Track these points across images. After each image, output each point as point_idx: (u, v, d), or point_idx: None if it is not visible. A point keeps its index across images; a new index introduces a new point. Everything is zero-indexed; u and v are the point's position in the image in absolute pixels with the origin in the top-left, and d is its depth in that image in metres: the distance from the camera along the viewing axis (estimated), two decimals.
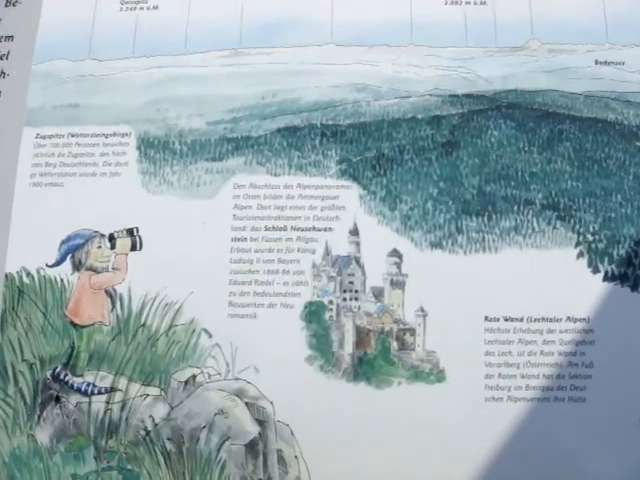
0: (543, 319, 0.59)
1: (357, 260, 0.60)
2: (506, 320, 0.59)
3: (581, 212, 0.60)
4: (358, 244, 0.60)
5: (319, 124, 0.63)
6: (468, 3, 0.65)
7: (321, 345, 0.59)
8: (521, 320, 0.59)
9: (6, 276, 0.62)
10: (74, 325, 0.61)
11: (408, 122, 0.62)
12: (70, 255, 0.62)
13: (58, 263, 0.62)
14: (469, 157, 0.62)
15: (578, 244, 0.59)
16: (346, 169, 0.62)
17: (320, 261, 0.60)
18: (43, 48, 0.67)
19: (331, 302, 0.60)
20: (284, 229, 0.61)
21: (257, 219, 0.61)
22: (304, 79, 0.64)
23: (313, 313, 0.59)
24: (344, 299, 0.60)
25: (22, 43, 0.68)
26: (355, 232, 0.60)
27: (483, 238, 0.60)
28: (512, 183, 0.61)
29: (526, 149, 0.62)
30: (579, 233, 0.60)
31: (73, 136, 0.65)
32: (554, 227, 0.60)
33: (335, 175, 0.62)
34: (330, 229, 0.61)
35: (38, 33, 0.68)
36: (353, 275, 0.60)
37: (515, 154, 0.62)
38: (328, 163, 0.62)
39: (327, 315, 0.59)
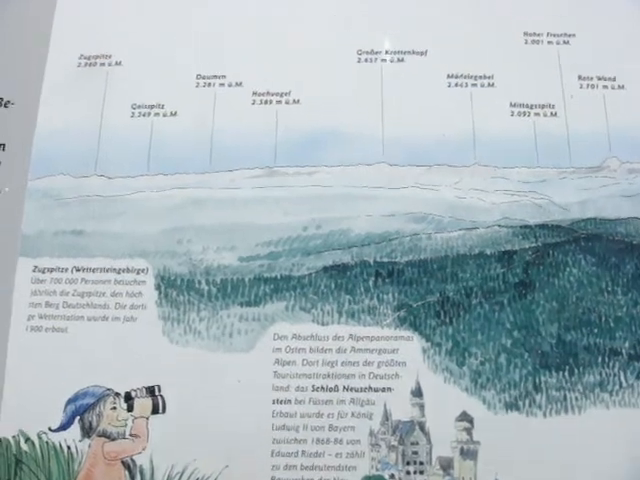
0: None
1: (421, 426, 0.53)
2: None
3: None
4: (422, 407, 0.53)
5: (372, 262, 0.56)
6: (537, 114, 0.59)
7: None
8: None
9: (0, 441, 0.53)
10: None
11: (475, 259, 0.56)
12: (78, 417, 0.54)
13: (64, 427, 0.54)
14: (546, 300, 0.55)
15: None
16: (405, 317, 0.55)
17: (378, 428, 0.53)
18: (40, 160, 0.60)
19: (392, 476, 0.53)
20: (335, 389, 0.54)
21: (303, 377, 0.54)
22: (353, 206, 0.57)
23: None
24: (407, 472, 0.53)
25: (16, 153, 0.60)
26: (418, 393, 0.53)
27: (564, 397, 0.54)
28: (595, 330, 0.55)
29: (609, 289, 0.56)
30: None
31: (78, 270, 0.56)
32: None
33: (393, 324, 0.54)
34: (389, 389, 0.54)
35: (34, 142, 0.59)
36: (417, 444, 0.53)
37: (597, 295, 0.56)
38: (384, 309, 0.55)
39: None
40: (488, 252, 0.56)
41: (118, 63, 0.62)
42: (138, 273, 0.56)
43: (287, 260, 0.56)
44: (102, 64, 0.62)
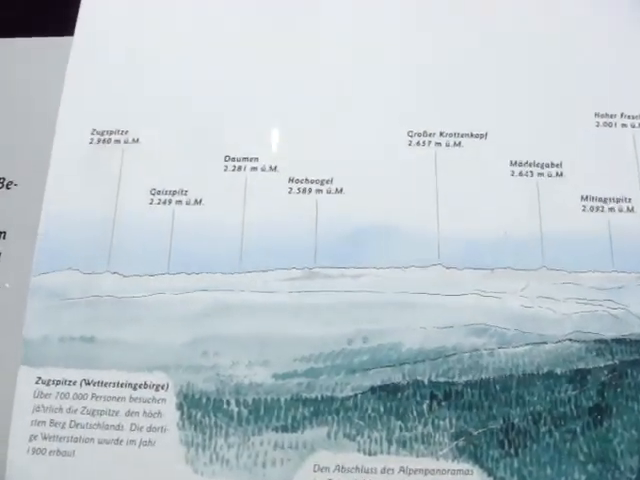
0: None
1: None
2: None
3: None
4: None
5: (427, 381, 0.49)
6: (612, 210, 0.52)
7: None
8: None
9: None
10: None
11: (544, 379, 0.49)
12: None
13: None
14: (624, 428, 0.49)
15: None
16: (464, 446, 0.48)
17: None
18: (46, 252, 0.53)
19: None
20: None
21: None
22: (405, 316, 0.50)
23: None
24: None
25: (18, 243, 0.53)
26: None
27: None
28: None
29: None
30: None
31: (88, 384, 0.50)
32: None
33: (450, 455, 0.48)
34: None
35: (39, 230, 0.53)
36: None
37: None
38: (440, 438, 0.48)
39: None
40: (558, 371, 0.50)
41: (135, 140, 0.55)
42: (157, 389, 0.50)
43: (329, 378, 0.49)
44: (117, 141, 0.55)
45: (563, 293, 0.51)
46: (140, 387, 0.50)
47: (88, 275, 0.52)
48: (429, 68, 0.57)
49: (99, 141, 0.55)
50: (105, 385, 0.50)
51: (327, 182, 0.54)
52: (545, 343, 0.50)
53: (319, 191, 0.53)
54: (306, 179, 0.54)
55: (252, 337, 0.50)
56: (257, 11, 0.60)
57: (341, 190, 0.54)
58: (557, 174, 0.54)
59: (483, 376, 0.50)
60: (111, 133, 0.56)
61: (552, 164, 0.54)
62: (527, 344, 0.50)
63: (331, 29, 0.59)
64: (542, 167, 0.54)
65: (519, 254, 0.52)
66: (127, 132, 0.56)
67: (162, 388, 0.50)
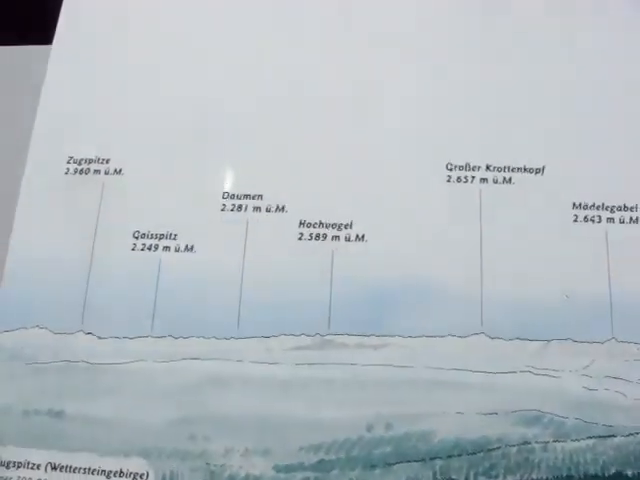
0: None
1: None
2: None
3: None
4: None
5: None
6: None
7: None
8: None
9: None
10: None
11: None
12: None
13: None
14: None
15: None
16: None
17: None
18: (9, 306, 0.45)
19: None
20: None
21: None
22: (438, 398, 0.41)
23: None
24: None
25: None
26: None
27: None
28: None
29: None
30: None
31: (54, 469, 0.42)
32: None
33: None
34: None
35: (3, 278, 0.45)
36: None
37: None
38: None
39: None
40: (629, 473, 0.40)
41: (118, 171, 0.47)
42: (135, 479, 0.42)
43: (343, 474, 0.40)
44: (97, 171, 0.47)
45: (636, 372, 0.41)
46: (115, 475, 0.41)
47: (58, 335, 0.44)
48: (471, 86, 0.47)
49: (76, 171, 0.47)
50: (74, 471, 0.42)
51: (346, 227, 0.44)
52: (613, 436, 0.40)
53: (336, 238, 0.44)
54: (320, 223, 0.44)
55: (250, 419, 0.41)
56: (260, 22, 0.51)
57: (362, 237, 0.44)
58: (631, 220, 0.44)
59: (534, 476, 0.40)
60: (90, 162, 0.47)
61: (625, 207, 0.44)
62: (590, 437, 0.40)
63: (350, 46, 0.50)
64: (612, 211, 0.44)
65: (582, 322, 0.42)
66: (108, 161, 0.47)
67: (141, 478, 0.41)
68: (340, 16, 0.50)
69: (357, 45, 0.49)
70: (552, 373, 0.42)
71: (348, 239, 0.44)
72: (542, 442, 0.41)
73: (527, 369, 0.42)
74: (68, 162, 0.47)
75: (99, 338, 0.44)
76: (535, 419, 0.41)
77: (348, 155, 0.46)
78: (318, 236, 0.44)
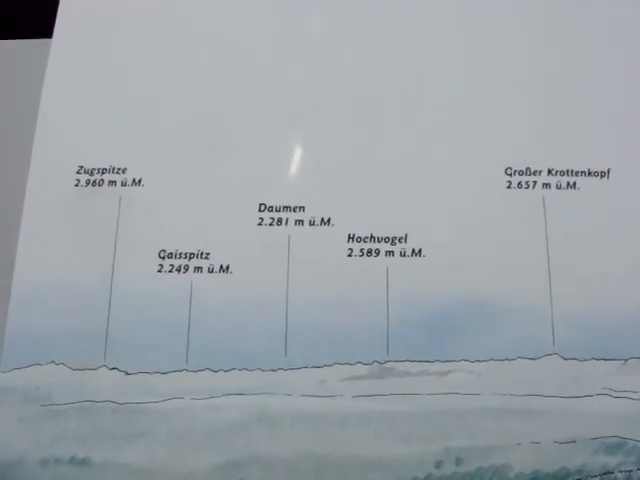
0: None
1: None
2: None
3: None
4: None
5: None
6: None
7: None
8: None
9: None
10: None
11: None
12: None
13: None
14: None
15: None
16: None
17: None
18: (20, 340, 0.40)
19: None
20: None
21: None
22: (511, 427, 0.38)
23: None
24: None
25: None
26: None
27: None
28: None
29: None
30: None
31: None
32: None
33: None
34: None
35: (10, 308, 0.39)
36: None
37: None
38: None
39: None
40: None
41: (137, 182, 0.42)
42: None
43: None
44: (112, 182, 0.42)
45: None
46: None
47: (78, 372, 0.39)
48: (531, 86, 0.43)
49: (88, 183, 0.42)
50: None
51: (400, 240, 0.40)
52: None
53: (389, 253, 0.40)
54: (371, 236, 0.41)
55: (305, 459, 0.38)
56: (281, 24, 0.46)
57: (419, 252, 0.40)
58: None
59: None
60: (104, 172, 0.42)
61: None
62: None
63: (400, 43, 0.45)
64: None
65: None
66: (125, 170, 0.42)
67: None
68: (386, 17, 0.46)
69: (408, 53, 0.45)
70: (631, 395, 0.39)
71: (403, 254, 0.40)
72: (625, 471, 0.38)
73: (605, 391, 0.39)
74: (78, 172, 0.42)
75: (126, 374, 0.39)
76: (616, 446, 0.38)
77: (398, 161, 0.42)
78: (370, 251, 0.40)
